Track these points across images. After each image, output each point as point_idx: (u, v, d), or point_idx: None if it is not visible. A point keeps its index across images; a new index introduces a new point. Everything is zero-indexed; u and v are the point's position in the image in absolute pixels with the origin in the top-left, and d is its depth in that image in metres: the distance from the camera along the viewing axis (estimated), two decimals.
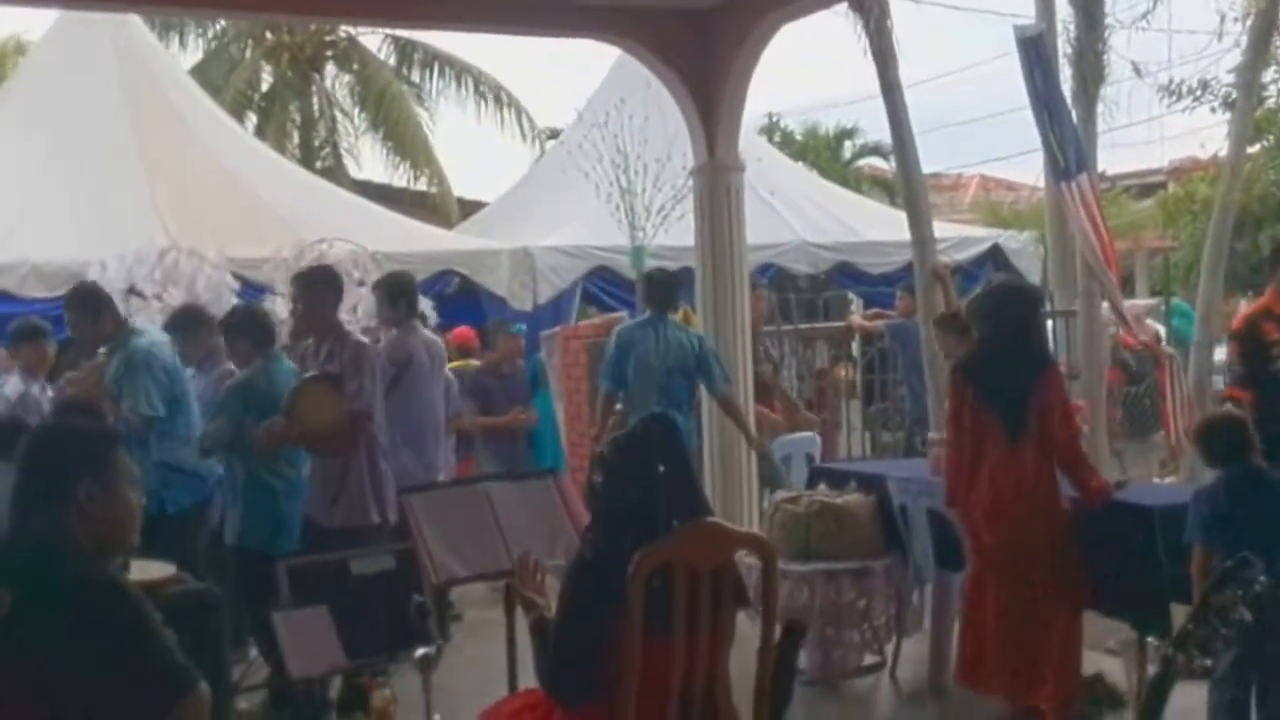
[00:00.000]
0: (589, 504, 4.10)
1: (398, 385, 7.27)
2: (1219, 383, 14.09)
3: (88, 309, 6.97)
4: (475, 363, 11.18)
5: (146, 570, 5.27)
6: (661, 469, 3.81)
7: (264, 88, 22.58)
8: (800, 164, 22.37)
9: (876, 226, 14.82)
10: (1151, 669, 3.00)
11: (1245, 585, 2.36)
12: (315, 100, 22.51)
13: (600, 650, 3.70)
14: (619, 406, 8.41)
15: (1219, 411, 6.24)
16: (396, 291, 7.84)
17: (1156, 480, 10.45)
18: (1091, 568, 5.98)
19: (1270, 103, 16.63)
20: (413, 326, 7.75)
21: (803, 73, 55.52)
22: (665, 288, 8.67)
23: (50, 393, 7.23)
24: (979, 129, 53.98)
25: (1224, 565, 2.38)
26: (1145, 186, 24.22)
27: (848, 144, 30.04)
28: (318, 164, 21.19)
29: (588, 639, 3.72)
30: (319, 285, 6.75)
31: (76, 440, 3.23)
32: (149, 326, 7.42)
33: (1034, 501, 5.96)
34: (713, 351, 8.49)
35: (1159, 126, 30.32)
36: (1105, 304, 9.72)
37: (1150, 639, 5.74)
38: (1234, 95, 12.47)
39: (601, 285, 13.22)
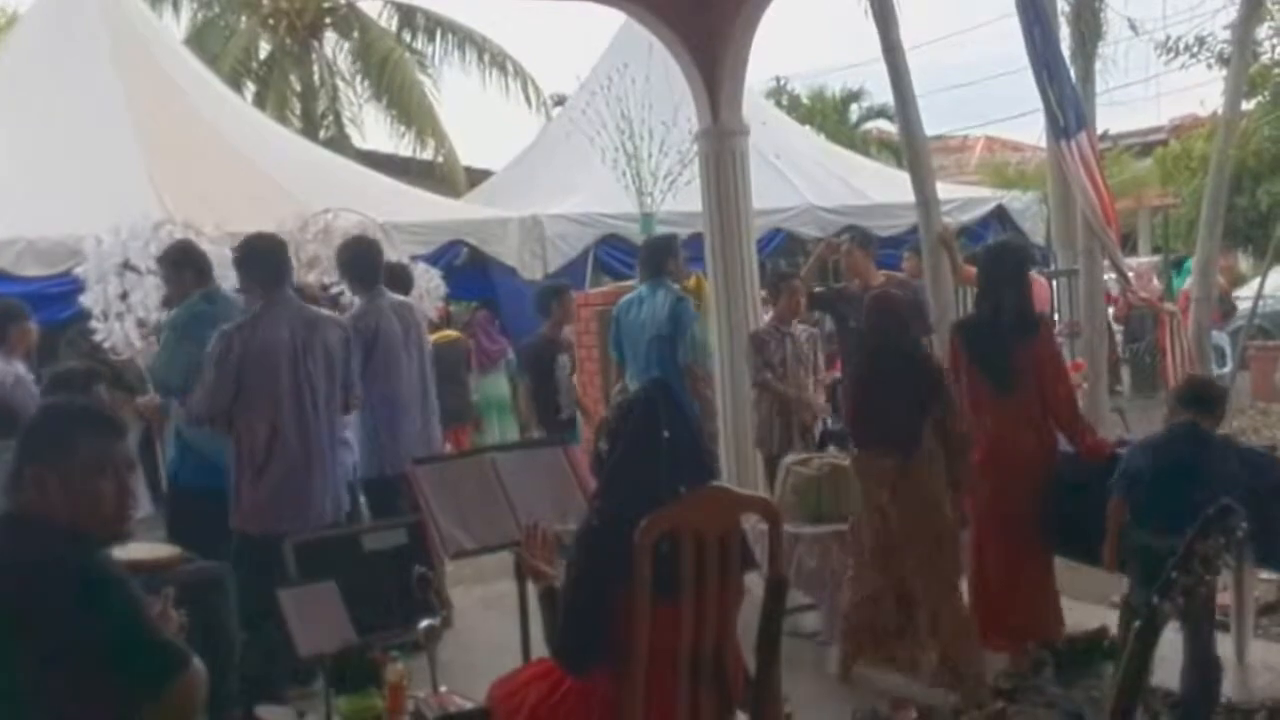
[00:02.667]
0: (595, 471, 4.08)
1: (370, 359, 7.03)
2: (1218, 339, 14.12)
3: (169, 264, 7.02)
4: (452, 333, 11.23)
5: (153, 551, 5.27)
6: (666, 434, 3.79)
7: (262, 56, 22.41)
8: (807, 127, 22.30)
9: (884, 189, 14.79)
10: None
11: (1229, 533, 2.37)
12: (316, 69, 22.33)
13: (609, 617, 3.69)
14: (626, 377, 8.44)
15: (1203, 374, 6.39)
16: (347, 264, 7.66)
17: None
18: (1092, 523, 5.97)
19: (1265, 58, 16.55)
20: (377, 293, 7.39)
21: (809, 36, 55.34)
22: (651, 254, 8.65)
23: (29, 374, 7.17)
24: (986, 89, 53.78)
25: (1207, 513, 2.38)
26: (1147, 145, 24.17)
27: (854, 107, 29.97)
28: (321, 134, 21.09)
29: (596, 607, 3.72)
30: (174, 264, 6.84)
31: (94, 428, 3.18)
32: (232, 298, 7.14)
33: (1022, 456, 6.20)
34: (688, 319, 8.42)
35: (1157, 84, 30.25)
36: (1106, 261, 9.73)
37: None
38: (1229, 51, 12.40)
39: (612, 253, 13.17)
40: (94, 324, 8.63)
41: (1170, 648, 5.30)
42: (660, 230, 12.06)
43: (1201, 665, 5.26)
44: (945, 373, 6.36)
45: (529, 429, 9.39)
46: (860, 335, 6.68)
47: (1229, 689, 5.79)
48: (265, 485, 6.07)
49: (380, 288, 7.46)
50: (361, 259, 7.58)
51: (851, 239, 9.57)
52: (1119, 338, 15.77)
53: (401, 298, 7.88)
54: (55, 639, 2.84)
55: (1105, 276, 11.43)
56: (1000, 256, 6.84)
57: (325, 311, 6.72)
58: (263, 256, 6.39)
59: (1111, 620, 6.56)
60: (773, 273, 9.17)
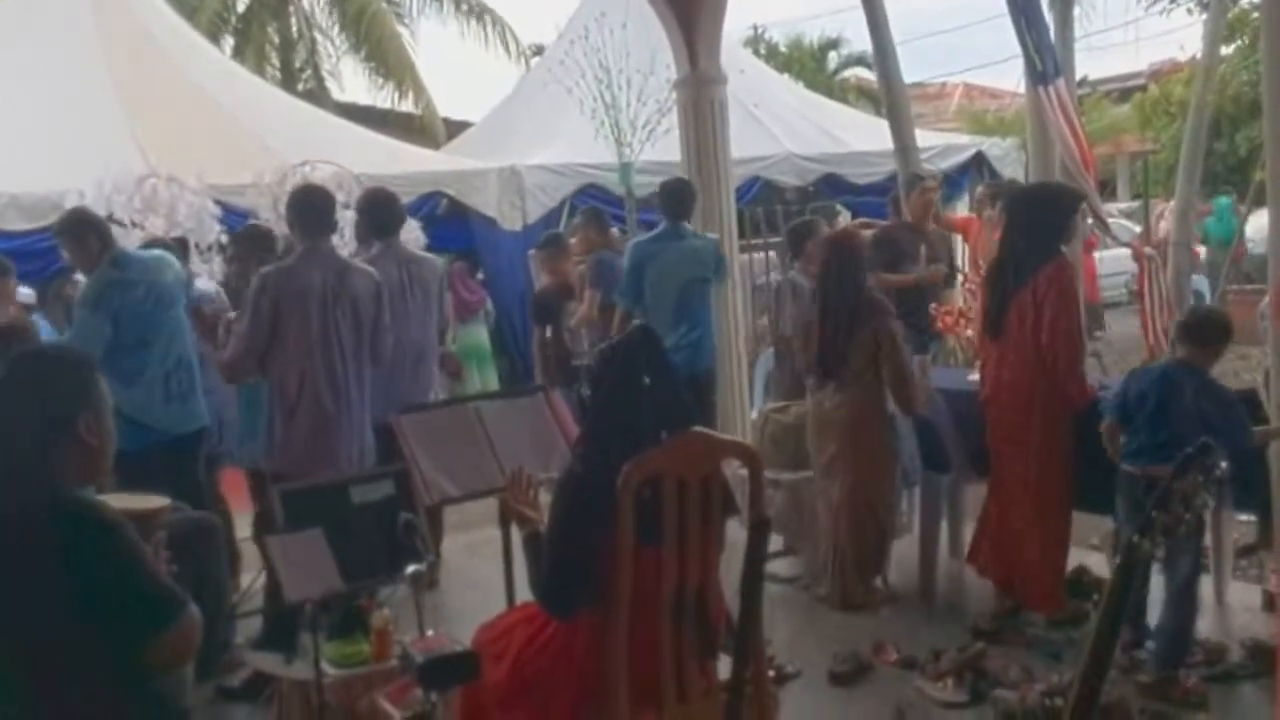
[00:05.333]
0: (579, 417, 4.11)
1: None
2: (1197, 282, 14.18)
3: (72, 234, 6.89)
4: None
5: (142, 501, 5.28)
6: (647, 380, 3.82)
7: (240, 9, 22.21)
8: (785, 76, 22.24)
9: (862, 137, 14.77)
10: None
11: (1207, 471, 2.39)
12: (294, 21, 22.22)
13: (592, 562, 3.73)
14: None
15: (1211, 306, 6.40)
16: (366, 211, 7.64)
17: None
18: (1074, 466, 6.11)
19: (1244, 3, 16.54)
20: (386, 245, 7.35)
21: None
22: (680, 196, 8.46)
23: None
24: (964, 36, 53.64)
25: (1186, 452, 2.41)
26: (1125, 90, 24.18)
27: (833, 55, 29.92)
28: (299, 87, 20.98)
29: (579, 551, 3.75)
30: (75, 234, 6.74)
31: (67, 370, 3.19)
32: (139, 257, 7.24)
33: (1008, 400, 6.19)
34: (726, 264, 8.63)
35: (1136, 29, 30.27)
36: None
37: None
38: None
39: (591, 202, 13.11)
40: (78, 278, 8.61)
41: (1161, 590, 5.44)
42: (640, 180, 12.07)
43: (1179, 603, 5.36)
44: (885, 308, 6.64)
45: (547, 378, 9.37)
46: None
47: (1207, 629, 5.92)
48: (295, 429, 6.14)
49: (395, 239, 7.49)
50: (381, 207, 7.59)
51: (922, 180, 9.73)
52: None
53: (420, 253, 7.91)
54: (56, 585, 2.85)
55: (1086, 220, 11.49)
56: (1016, 198, 6.92)
57: (359, 263, 6.70)
58: (308, 206, 6.43)
59: (1092, 561, 6.67)
60: (793, 223, 9.10)
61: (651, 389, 3.84)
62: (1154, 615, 5.60)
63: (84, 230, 6.80)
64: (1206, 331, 5.58)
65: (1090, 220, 10.60)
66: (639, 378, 3.84)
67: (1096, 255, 16.46)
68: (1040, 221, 6.21)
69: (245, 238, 7.68)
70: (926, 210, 9.38)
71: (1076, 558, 6.74)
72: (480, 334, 12.68)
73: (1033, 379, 6.07)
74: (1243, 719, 4.99)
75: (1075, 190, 7.01)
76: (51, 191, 9.66)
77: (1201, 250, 17.53)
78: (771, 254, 12.59)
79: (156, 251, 7.17)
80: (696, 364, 8.17)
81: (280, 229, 8.13)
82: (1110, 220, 12.45)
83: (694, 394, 7.52)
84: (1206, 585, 6.20)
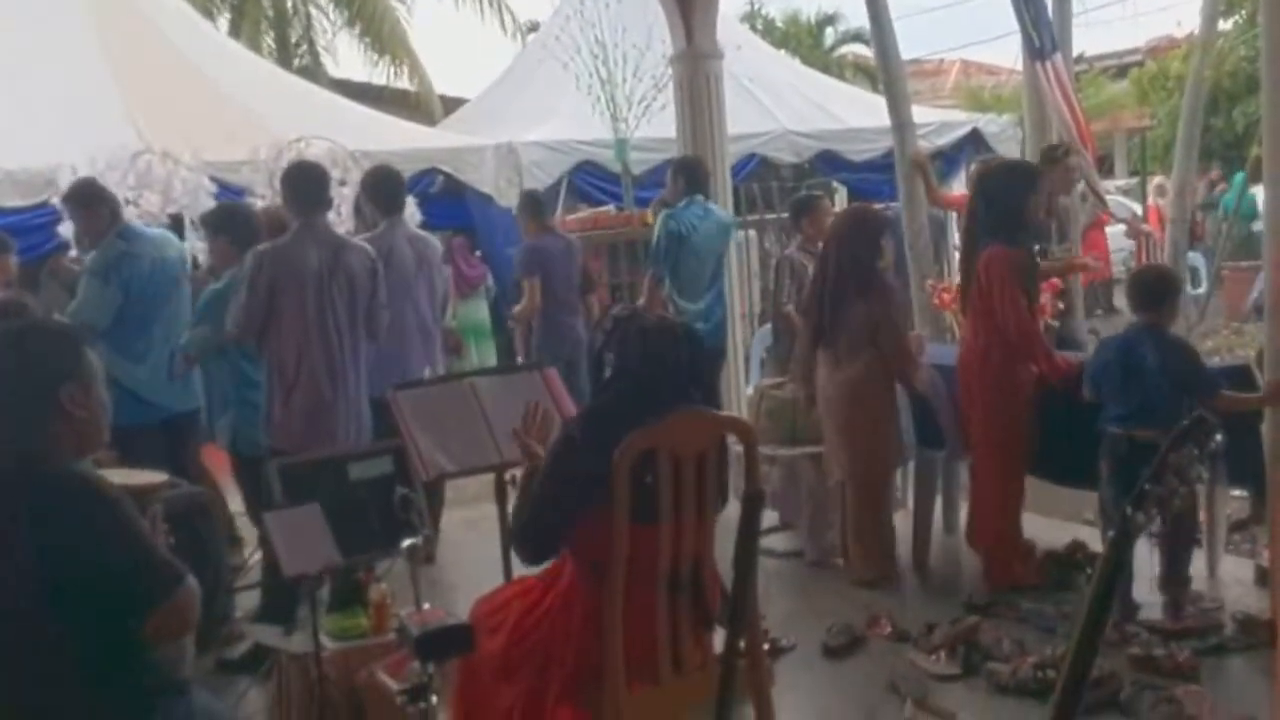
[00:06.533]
0: (591, 370, 4.08)
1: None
2: (1193, 259, 14.18)
3: (83, 203, 6.92)
4: None
5: (138, 477, 5.30)
6: (654, 355, 3.84)
7: None
8: (782, 52, 22.18)
9: (859, 113, 14.74)
10: None
11: (1201, 443, 2.40)
12: None
13: (568, 528, 3.79)
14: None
15: (1151, 265, 6.53)
16: (371, 188, 7.62)
17: None
18: (1066, 441, 6.17)
19: None
20: (396, 222, 7.44)
21: None
22: (702, 169, 8.60)
23: None
24: (961, 13, 53.53)
25: (1181, 424, 2.42)
26: (1123, 66, 24.15)
27: (829, 31, 29.87)
28: (295, 63, 20.92)
29: (560, 516, 3.80)
30: (87, 203, 6.80)
31: (50, 342, 3.18)
32: (146, 232, 7.26)
33: (972, 372, 6.35)
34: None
35: (1134, 4, 30.24)
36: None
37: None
38: None
39: (588, 180, 13.13)
40: (74, 254, 8.62)
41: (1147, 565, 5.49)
42: (636, 157, 12.08)
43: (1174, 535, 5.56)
44: (886, 291, 6.66)
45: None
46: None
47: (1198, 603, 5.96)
48: (294, 406, 6.16)
49: (401, 216, 7.49)
50: (386, 184, 7.59)
51: None
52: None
53: (422, 232, 7.92)
54: (56, 557, 2.86)
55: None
56: (977, 177, 7.07)
57: (355, 240, 6.71)
58: (303, 181, 6.43)
59: (1085, 535, 6.71)
60: (795, 197, 9.09)
61: (656, 364, 3.85)
62: (1140, 588, 5.71)
63: (96, 200, 6.85)
64: (1154, 292, 5.77)
65: (1089, 198, 10.61)
66: (665, 379, 3.85)
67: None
68: (993, 202, 6.33)
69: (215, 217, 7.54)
70: (1068, 187, 8.53)
71: (1069, 532, 6.81)
72: (481, 309, 12.69)
73: (986, 347, 6.22)
74: (1234, 691, 5.02)
75: (1033, 169, 7.03)
76: (45, 168, 9.61)
77: (1208, 225, 17.56)
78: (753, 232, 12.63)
79: (159, 229, 7.19)
80: (719, 339, 8.27)
81: (273, 203, 8.16)
82: (1108, 198, 12.45)
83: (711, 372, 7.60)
84: (1199, 559, 6.25)
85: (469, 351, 12.39)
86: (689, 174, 8.50)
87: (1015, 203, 6.25)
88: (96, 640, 2.93)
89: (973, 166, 11.13)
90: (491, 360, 12.16)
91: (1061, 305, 8.08)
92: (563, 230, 9.75)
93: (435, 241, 7.96)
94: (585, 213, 13.16)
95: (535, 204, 9.53)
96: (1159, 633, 5.54)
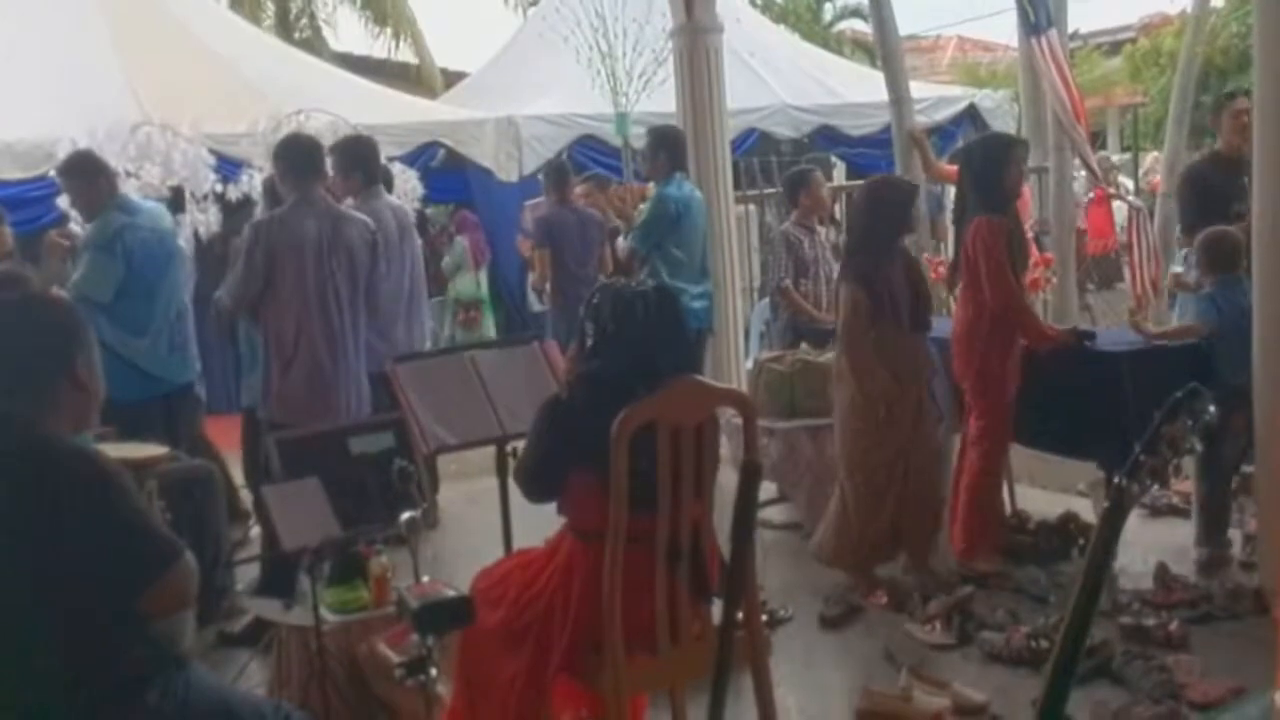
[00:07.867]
0: (580, 339, 4.11)
1: None
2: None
3: (81, 175, 6.92)
4: None
5: (141, 449, 5.33)
6: (647, 324, 3.90)
7: None
8: (781, 26, 22.11)
9: (857, 88, 14.73)
10: None
11: (1196, 415, 2.41)
12: None
13: (560, 482, 3.93)
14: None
15: (1220, 227, 6.53)
16: (349, 160, 7.39)
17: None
18: (1061, 414, 6.22)
19: None
20: (374, 193, 7.35)
21: None
22: (684, 144, 8.48)
23: None
24: None
25: (1175, 395, 2.43)
26: (1116, 43, 24.08)
27: (828, 6, 29.73)
28: (295, 35, 20.84)
29: (555, 471, 3.92)
30: (86, 174, 6.79)
31: (59, 312, 3.19)
32: (144, 203, 7.27)
33: (960, 344, 6.31)
34: None
35: None
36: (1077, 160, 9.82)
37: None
38: None
39: (588, 153, 13.11)
40: (73, 227, 8.63)
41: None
42: (637, 131, 12.05)
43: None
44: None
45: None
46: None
47: (1188, 574, 6.02)
48: (292, 378, 6.19)
49: (379, 187, 7.47)
50: (364, 152, 7.52)
51: None
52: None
53: (396, 201, 7.90)
54: (55, 532, 2.86)
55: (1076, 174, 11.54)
56: (962, 150, 7.08)
57: (354, 212, 6.69)
58: (299, 153, 6.43)
59: (1079, 507, 6.74)
60: (789, 172, 9.04)
61: (660, 352, 3.90)
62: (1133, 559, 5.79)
63: (94, 172, 6.85)
64: (1240, 248, 6.10)
65: (1083, 172, 10.63)
66: (653, 342, 3.90)
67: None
68: (976, 176, 6.34)
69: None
70: (1244, 132, 6.98)
71: (1064, 503, 6.85)
72: (480, 283, 12.74)
73: (974, 318, 6.21)
74: (1223, 661, 5.06)
75: (1013, 141, 7.04)
76: (45, 139, 9.60)
77: None
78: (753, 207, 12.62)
79: (152, 202, 7.21)
80: (710, 318, 8.28)
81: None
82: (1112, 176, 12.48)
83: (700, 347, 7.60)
84: (1188, 530, 6.31)
85: (479, 321, 12.49)
86: (670, 149, 8.26)
87: (994, 173, 6.25)
88: (94, 614, 2.91)
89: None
90: (490, 334, 12.20)
91: (1054, 278, 8.06)
92: (583, 205, 9.73)
93: (409, 210, 8.06)
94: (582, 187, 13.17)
95: (556, 175, 9.55)
96: (1149, 604, 5.60)
